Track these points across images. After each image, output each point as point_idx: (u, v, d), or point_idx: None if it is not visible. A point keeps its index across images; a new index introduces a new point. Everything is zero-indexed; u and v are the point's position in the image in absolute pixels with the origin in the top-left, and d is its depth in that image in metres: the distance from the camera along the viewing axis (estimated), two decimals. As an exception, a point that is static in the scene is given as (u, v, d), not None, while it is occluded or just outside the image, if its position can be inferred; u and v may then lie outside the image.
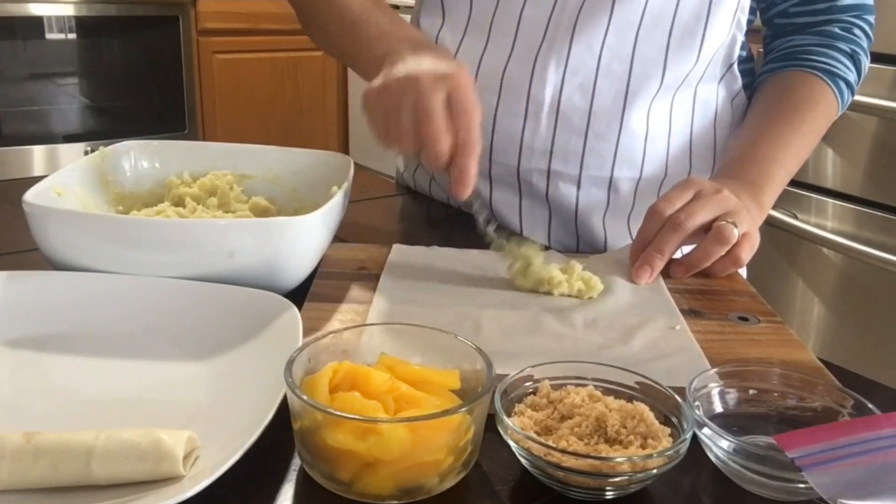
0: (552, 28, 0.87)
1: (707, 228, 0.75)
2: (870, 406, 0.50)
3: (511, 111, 0.90)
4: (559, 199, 0.93)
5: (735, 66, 0.94)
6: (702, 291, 0.73)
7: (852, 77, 0.92)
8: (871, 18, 0.94)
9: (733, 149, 0.91)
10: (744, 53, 0.96)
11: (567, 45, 0.86)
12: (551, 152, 0.91)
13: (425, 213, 1.04)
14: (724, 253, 0.74)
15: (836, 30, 0.92)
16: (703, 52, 0.88)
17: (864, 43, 0.93)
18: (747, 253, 0.75)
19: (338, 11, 0.85)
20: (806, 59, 0.92)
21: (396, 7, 3.03)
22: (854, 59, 0.92)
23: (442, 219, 1.01)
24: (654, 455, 0.44)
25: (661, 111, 0.90)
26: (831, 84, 0.90)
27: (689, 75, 0.89)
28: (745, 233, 0.75)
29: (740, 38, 0.92)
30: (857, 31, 0.93)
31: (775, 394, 0.54)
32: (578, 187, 0.92)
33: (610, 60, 0.87)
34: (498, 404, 0.48)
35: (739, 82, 0.96)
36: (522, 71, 0.89)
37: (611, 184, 0.92)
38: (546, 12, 0.87)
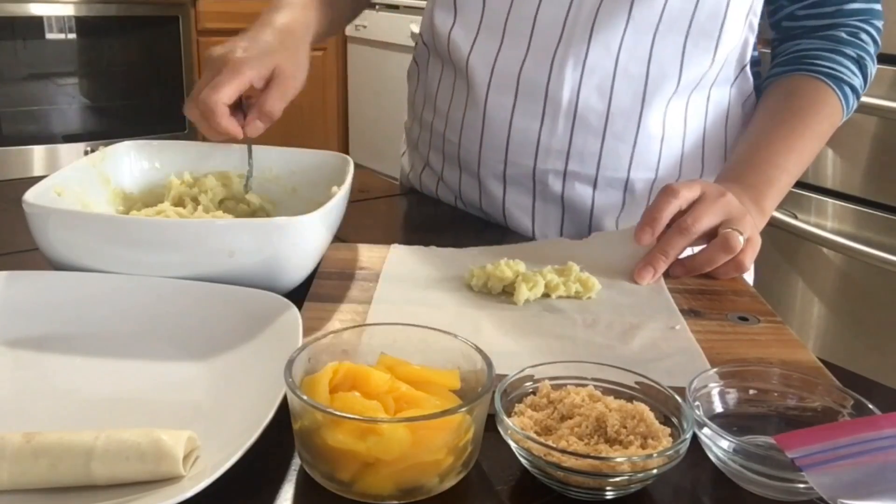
0: (569, 28, 0.86)
1: (711, 233, 0.75)
2: (870, 406, 0.50)
3: (527, 112, 0.90)
4: (575, 200, 0.93)
5: (748, 68, 0.94)
6: (702, 291, 0.73)
7: (858, 82, 0.92)
8: (879, 24, 0.93)
9: (736, 152, 0.91)
10: (755, 55, 0.96)
11: (585, 45, 0.86)
12: (568, 153, 0.90)
13: (431, 215, 1.03)
14: (727, 259, 0.74)
15: (843, 34, 0.92)
16: (718, 54, 0.87)
17: (871, 48, 0.93)
18: (750, 258, 0.76)
19: None
20: (811, 64, 0.92)
21: (396, 7, 3.03)
22: (860, 64, 0.92)
23: (448, 221, 1.00)
24: (654, 455, 0.44)
25: (676, 112, 0.90)
26: (836, 89, 0.90)
27: (705, 77, 0.89)
28: (748, 238, 0.75)
29: (752, 39, 0.92)
30: (863, 37, 0.92)
31: (775, 394, 0.54)
32: (595, 188, 0.92)
33: (627, 61, 0.86)
34: (498, 404, 0.48)
35: (751, 84, 0.96)
36: (539, 71, 0.88)
37: (627, 185, 0.92)
38: (562, 12, 0.86)
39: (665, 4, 0.84)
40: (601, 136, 0.89)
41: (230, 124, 0.76)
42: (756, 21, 0.91)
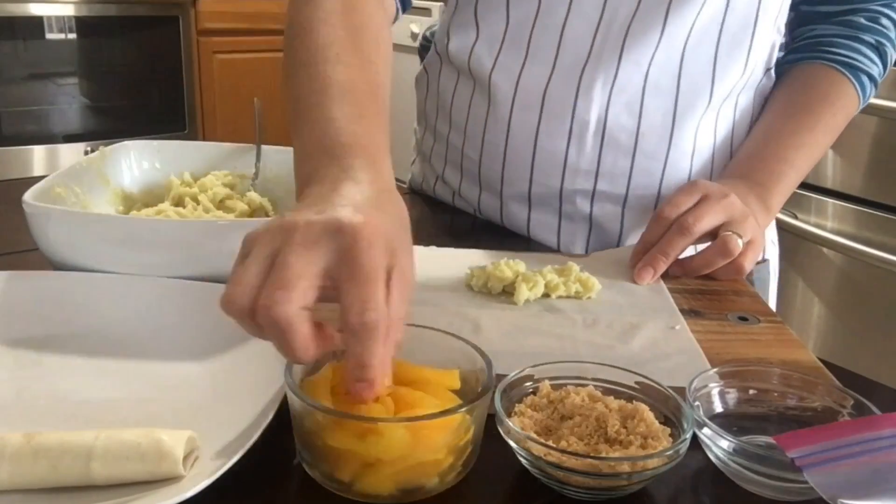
0: (598, 44, 0.82)
1: (712, 233, 0.75)
2: (870, 406, 0.50)
3: (554, 131, 0.86)
4: (604, 219, 0.89)
5: (772, 70, 0.92)
6: (702, 291, 0.73)
7: (876, 70, 0.89)
8: None
9: (745, 146, 0.89)
10: (781, 55, 0.93)
11: (615, 62, 0.82)
12: (597, 173, 0.86)
13: (448, 222, 0.98)
14: (725, 263, 0.74)
15: (862, 20, 0.89)
16: (749, 62, 0.85)
17: (892, 34, 0.89)
18: (750, 261, 0.75)
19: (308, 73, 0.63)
20: (827, 52, 0.89)
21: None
22: (879, 50, 0.89)
23: (468, 229, 0.95)
24: (654, 455, 0.44)
25: (708, 125, 0.87)
26: (852, 79, 0.88)
27: (735, 86, 0.86)
28: (749, 241, 0.74)
29: (779, 41, 0.90)
30: (884, 21, 0.89)
31: (775, 394, 0.54)
32: (624, 207, 0.88)
33: (658, 77, 0.83)
34: (498, 404, 0.48)
35: (773, 82, 0.93)
36: (566, 89, 0.84)
37: (657, 202, 0.88)
38: (591, 27, 0.82)
39: (697, 16, 0.80)
40: (631, 155, 0.85)
41: (314, 344, 0.44)
42: (783, 23, 0.89)
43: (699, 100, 0.85)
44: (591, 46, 0.83)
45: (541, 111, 0.86)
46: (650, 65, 0.82)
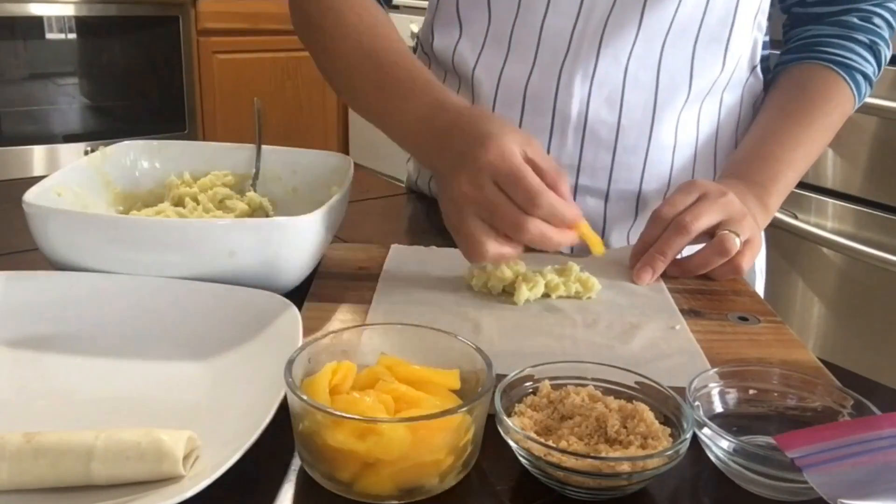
0: (577, 39, 0.84)
1: (710, 232, 0.75)
2: (870, 406, 0.50)
3: (535, 126, 0.87)
4: (586, 214, 0.87)
5: (758, 69, 0.93)
6: (702, 291, 0.73)
7: (870, 69, 0.90)
8: (894, 6, 0.91)
9: (742, 147, 0.89)
10: (765, 53, 0.94)
11: (594, 57, 0.83)
12: (579, 168, 0.88)
13: (439, 218, 0.99)
14: (723, 262, 0.74)
15: (855, 20, 0.90)
16: (728, 59, 0.86)
17: (885, 33, 0.90)
18: (748, 261, 0.75)
19: (364, 51, 0.81)
20: (822, 52, 0.90)
21: (396, 7, 3.03)
22: (873, 49, 0.90)
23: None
24: (654, 455, 0.44)
25: (689, 120, 0.88)
26: (847, 78, 0.89)
27: (716, 82, 0.87)
28: (747, 240, 0.74)
29: (761, 39, 0.91)
30: (877, 21, 0.90)
31: (775, 394, 0.54)
32: (607, 201, 0.90)
33: (637, 72, 0.84)
34: (498, 404, 0.48)
35: (762, 83, 0.94)
36: (546, 85, 0.86)
37: (639, 197, 0.90)
38: (569, 23, 0.84)
39: (676, 11, 0.82)
40: (612, 150, 0.87)
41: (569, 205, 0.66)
42: (764, 20, 0.90)
43: (678, 94, 0.86)
44: (570, 41, 0.84)
45: (522, 106, 0.87)
46: (629, 59, 0.84)
